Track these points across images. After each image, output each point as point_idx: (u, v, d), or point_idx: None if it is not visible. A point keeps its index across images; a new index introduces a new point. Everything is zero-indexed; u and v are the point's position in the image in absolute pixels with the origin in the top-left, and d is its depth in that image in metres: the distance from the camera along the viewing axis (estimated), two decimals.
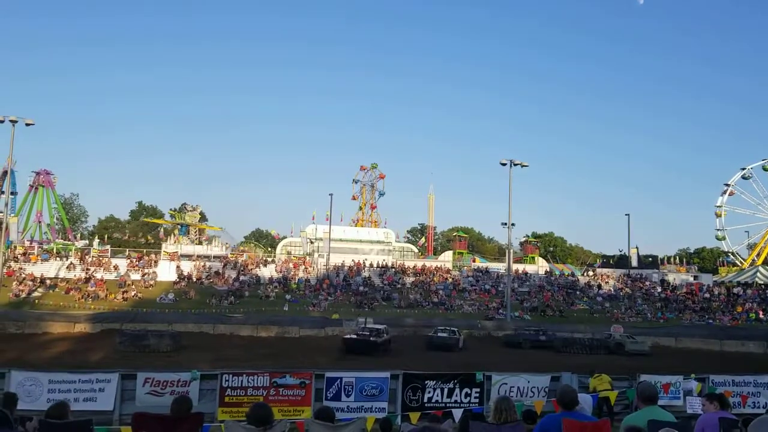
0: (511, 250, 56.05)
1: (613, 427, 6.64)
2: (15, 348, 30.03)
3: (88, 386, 14.52)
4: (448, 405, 15.88)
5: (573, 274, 68.27)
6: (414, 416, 13.61)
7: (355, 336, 34.82)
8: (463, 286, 59.62)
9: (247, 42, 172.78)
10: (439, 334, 38.28)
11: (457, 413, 12.99)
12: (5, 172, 62.38)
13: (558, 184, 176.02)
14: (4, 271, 45.80)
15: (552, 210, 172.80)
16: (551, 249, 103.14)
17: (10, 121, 41.54)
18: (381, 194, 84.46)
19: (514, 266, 62.33)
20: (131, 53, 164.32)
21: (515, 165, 49.71)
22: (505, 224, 51.48)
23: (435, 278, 60.95)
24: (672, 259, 79.47)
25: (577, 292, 60.49)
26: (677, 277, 66.72)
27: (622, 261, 72.64)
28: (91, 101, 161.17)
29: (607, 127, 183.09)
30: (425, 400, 16.12)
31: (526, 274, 64.77)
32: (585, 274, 69.48)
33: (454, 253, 74.53)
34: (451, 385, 16.45)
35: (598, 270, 70.40)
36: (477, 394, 16.50)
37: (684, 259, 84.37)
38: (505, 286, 53.52)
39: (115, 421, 13.73)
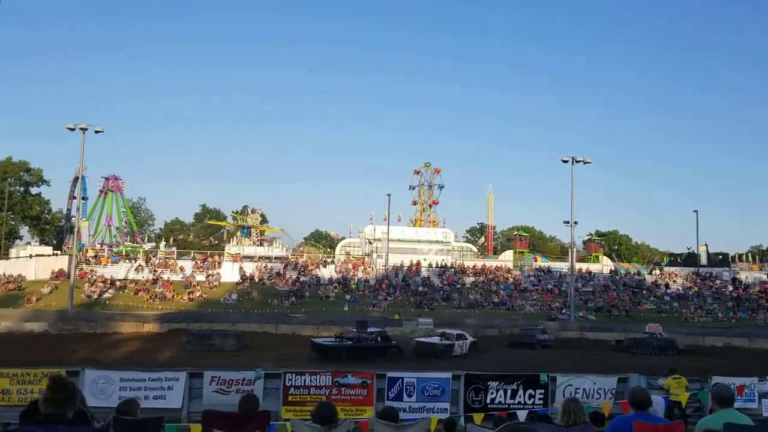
0: (574, 249, 54.86)
1: (686, 431, 6.35)
2: (87, 347, 31.22)
3: (158, 384, 14.92)
4: (511, 406, 15.64)
5: (639, 273, 66.37)
6: (477, 417, 13.45)
7: (424, 340, 34.44)
8: (525, 285, 58.79)
9: (311, 44, 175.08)
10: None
11: (522, 415, 12.76)
12: (77, 178, 65.01)
13: (622, 180, 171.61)
14: (77, 273, 47.65)
15: (616, 207, 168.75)
16: (616, 247, 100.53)
17: (81, 129, 43.22)
18: (440, 187, 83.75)
19: (578, 265, 61.06)
20: (195, 54, 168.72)
21: (577, 162, 48.66)
22: (568, 222, 50.45)
23: (496, 278, 60.30)
24: (744, 257, 76.32)
25: (644, 292, 58.78)
26: (750, 275, 63.95)
27: (690, 259, 70.22)
28: (156, 107, 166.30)
29: (673, 118, 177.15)
30: (488, 401, 15.93)
31: (589, 273, 63.36)
32: (652, 272, 67.44)
33: (514, 253, 73.60)
34: (514, 386, 16.20)
35: (666, 268, 68.21)
36: (541, 396, 16.22)
37: (757, 257, 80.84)
38: (568, 286, 52.46)
39: (183, 418, 14.05)
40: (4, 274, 50.61)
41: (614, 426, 5.90)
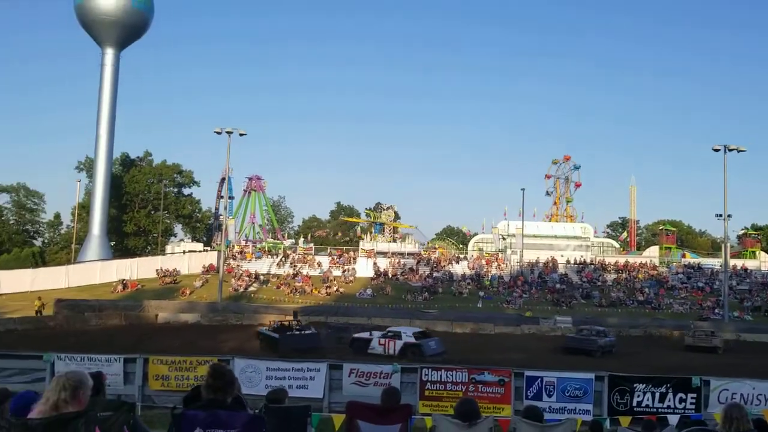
0: (728, 244, 50.92)
1: None
2: (236, 338, 33.10)
3: (300, 375, 15.54)
4: (660, 410, 14.81)
5: None
6: (624, 420, 12.83)
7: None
8: (672, 283, 55.43)
9: (444, 45, 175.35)
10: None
11: (673, 419, 12.02)
12: (223, 179, 69.25)
13: None
14: (225, 267, 50.78)
15: None
16: None
17: (227, 132, 45.91)
18: (576, 167, 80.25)
19: (732, 262, 56.61)
20: (329, 51, 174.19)
21: (730, 150, 45.01)
22: (720, 216, 46.77)
23: (639, 275, 57.33)
24: None
25: None
26: None
27: None
28: (295, 110, 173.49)
29: None
30: (634, 404, 15.19)
31: (745, 270, 58.61)
32: None
33: (660, 248, 69.54)
34: (663, 390, 15.32)
35: None
36: (693, 400, 15.20)
37: None
38: (722, 284, 48.78)
39: (324, 408, 14.52)
40: (162, 269, 54.97)
41: None
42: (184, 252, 62.53)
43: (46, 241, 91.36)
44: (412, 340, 28.50)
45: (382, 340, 28.83)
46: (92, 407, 3.58)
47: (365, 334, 30.11)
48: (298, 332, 29.74)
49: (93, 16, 65.78)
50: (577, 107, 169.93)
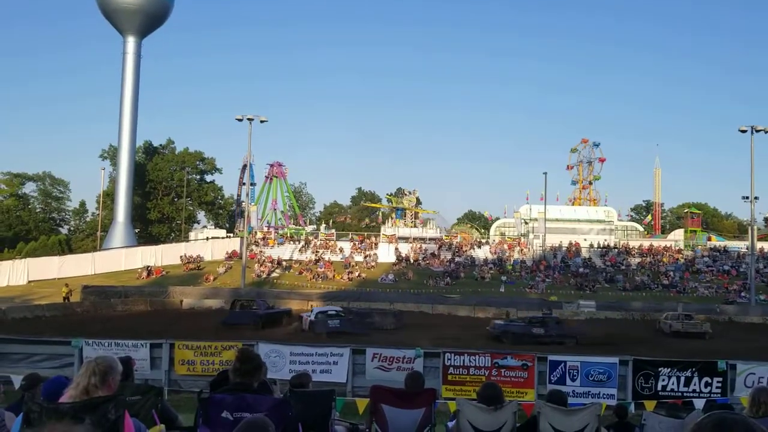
0: (755, 227, 50.13)
1: None
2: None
3: (324, 359, 15.64)
4: (685, 394, 14.75)
5: None
6: (650, 404, 12.74)
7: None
8: (698, 267, 54.79)
9: (466, 27, 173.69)
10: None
11: (699, 403, 11.93)
12: (245, 166, 69.54)
13: None
14: (248, 254, 51.16)
15: None
16: None
17: (248, 119, 46.02)
18: (596, 145, 79.08)
19: (759, 245, 55.79)
20: (353, 34, 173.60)
21: (757, 132, 44.18)
22: (747, 198, 46.09)
23: (664, 259, 56.74)
24: None
25: None
26: None
27: None
28: (316, 95, 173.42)
29: None
30: (659, 388, 15.11)
31: None
32: None
33: (685, 232, 68.75)
34: (688, 374, 15.21)
35: None
36: (719, 384, 15.09)
37: None
38: (748, 267, 48.09)
39: (348, 392, 14.60)
40: (186, 255, 55.56)
41: None
42: (207, 239, 63.10)
43: (71, 228, 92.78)
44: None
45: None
46: (121, 392, 3.64)
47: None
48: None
49: (114, 5, 66.28)
50: (599, 90, 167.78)
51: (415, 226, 71.83)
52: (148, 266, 52.02)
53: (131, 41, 67.86)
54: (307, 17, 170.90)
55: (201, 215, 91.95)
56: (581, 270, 53.93)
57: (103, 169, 79.72)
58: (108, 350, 15.32)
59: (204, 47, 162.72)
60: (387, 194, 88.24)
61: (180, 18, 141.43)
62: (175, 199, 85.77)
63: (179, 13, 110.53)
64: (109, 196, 74.49)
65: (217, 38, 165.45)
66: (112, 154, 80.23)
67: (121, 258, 55.09)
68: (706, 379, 15.23)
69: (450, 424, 6.32)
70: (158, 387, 4.67)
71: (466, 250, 59.59)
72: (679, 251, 59.66)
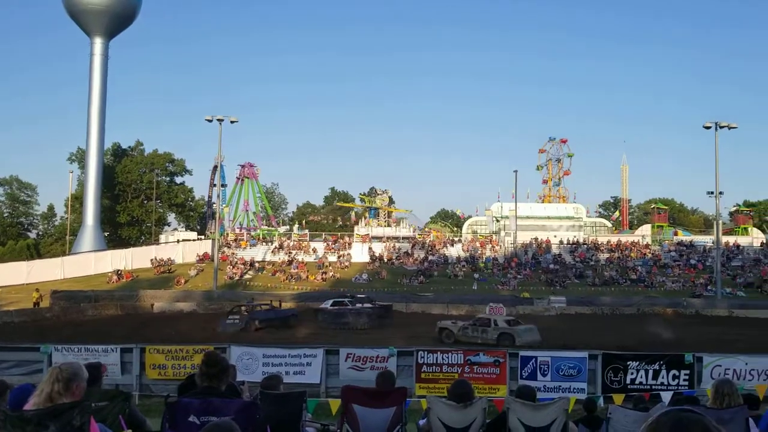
0: (720, 221, 51.18)
1: None
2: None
3: (297, 360, 15.61)
4: (653, 387, 14.98)
5: None
6: (618, 398, 12.95)
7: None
8: (665, 261, 55.78)
9: (430, 24, 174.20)
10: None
11: (666, 396, 12.15)
12: (216, 167, 68.94)
13: None
14: (220, 256, 50.78)
15: (767, 174, 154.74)
16: (767, 218, 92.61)
17: (218, 120, 45.65)
18: (570, 155, 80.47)
19: (724, 238, 56.96)
20: (320, 38, 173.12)
21: (721, 127, 45.09)
22: (712, 193, 46.98)
23: (632, 254, 57.66)
24: None
25: None
26: None
27: None
28: (285, 97, 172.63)
29: None
30: (628, 381, 15.34)
31: (738, 247, 59.01)
32: None
33: (652, 227, 69.89)
34: (656, 367, 15.47)
35: None
36: (686, 377, 15.38)
37: None
38: (714, 261, 49.11)
39: (322, 393, 14.60)
40: (156, 258, 54.94)
41: None
42: (178, 241, 62.45)
43: (40, 233, 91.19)
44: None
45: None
46: (87, 398, 3.62)
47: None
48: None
49: (81, 6, 65.25)
50: (568, 86, 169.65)
51: (388, 226, 71.96)
52: (118, 270, 51.34)
53: (98, 42, 66.84)
54: (276, 22, 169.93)
55: (171, 217, 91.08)
56: (551, 266, 54.57)
57: (72, 172, 78.60)
58: (78, 356, 15.11)
59: (172, 48, 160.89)
60: (360, 194, 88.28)
61: (149, 19, 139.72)
62: (145, 202, 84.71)
63: (148, 14, 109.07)
64: (78, 200, 73.33)
65: (185, 40, 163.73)
66: (80, 157, 78.99)
67: (90, 262, 54.29)
68: (674, 371, 15.49)
69: (421, 422, 6.39)
70: (126, 392, 4.65)
71: (439, 249, 59.89)
72: (647, 246, 60.67)
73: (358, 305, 35.20)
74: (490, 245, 60.89)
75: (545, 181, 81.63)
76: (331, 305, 35.29)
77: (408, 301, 43.87)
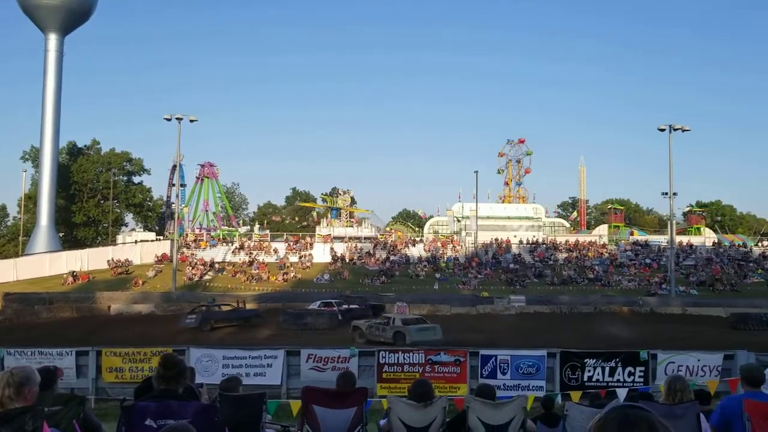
0: (674, 221, 52.50)
1: None
2: (191, 328, 32.65)
3: (258, 362, 15.52)
4: (610, 384, 15.31)
5: (745, 245, 62.82)
6: (575, 395, 13.19)
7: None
8: (621, 260, 56.93)
9: (390, 23, 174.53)
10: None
11: (621, 393, 12.43)
12: (175, 166, 67.93)
13: (725, 146, 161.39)
14: (179, 256, 50.03)
15: (719, 176, 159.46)
16: (719, 219, 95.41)
17: (177, 118, 44.99)
18: (528, 154, 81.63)
19: (678, 238, 58.47)
20: (280, 39, 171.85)
21: (675, 130, 46.28)
22: (666, 194, 48.21)
23: (590, 253, 58.71)
24: None
25: (751, 264, 55.64)
26: None
27: None
28: (246, 98, 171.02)
29: None
30: (585, 378, 15.66)
31: (691, 246, 60.57)
32: (759, 244, 63.67)
33: (609, 227, 71.28)
34: (612, 364, 15.84)
35: None
36: (641, 373, 15.78)
37: None
38: (668, 260, 50.34)
39: (283, 394, 14.54)
40: (113, 259, 53.84)
41: (724, 405, 5.64)
42: (136, 242, 61.28)
43: None
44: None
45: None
46: (40, 402, 3.55)
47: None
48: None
49: (35, 1, 63.52)
50: (526, 91, 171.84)
51: (350, 226, 71.90)
52: (74, 271, 50.15)
53: (53, 38, 65.17)
54: (232, 23, 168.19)
55: (129, 218, 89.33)
56: (511, 266, 55.22)
57: (25, 171, 76.77)
58: (31, 359, 14.75)
59: (131, 46, 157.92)
60: (322, 194, 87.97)
61: (106, 15, 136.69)
62: (102, 202, 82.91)
63: (105, 10, 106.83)
64: (32, 199, 71.48)
65: (144, 37, 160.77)
66: (34, 156, 76.98)
67: (45, 263, 52.91)
68: (629, 368, 15.86)
69: (382, 422, 6.41)
70: (80, 396, 4.57)
71: (400, 249, 60.07)
72: (604, 246, 61.84)
73: (344, 306, 36.22)
74: (452, 245, 61.31)
75: (507, 183, 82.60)
76: (319, 306, 36.26)
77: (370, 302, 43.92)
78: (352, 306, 36.89)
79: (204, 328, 31.32)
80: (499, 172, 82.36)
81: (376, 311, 36.19)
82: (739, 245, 62.75)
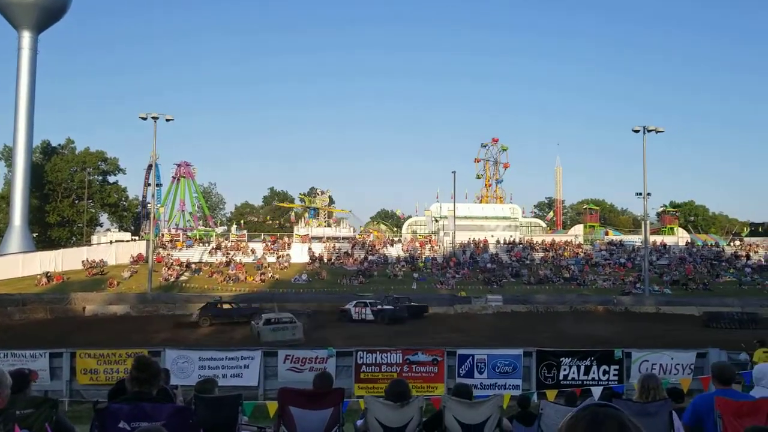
0: (648, 221, 53.22)
1: None
2: (167, 328, 32.47)
3: (234, 363, 15.40)
4: (585, 383, 15.43)
5: (717, 245, 63.88)
6: (551, 394, 13.32)
7: None
8: (596, 260, 57.55)
9: (366, 24, 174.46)
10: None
11: (596, 391, 12.58)
12: (150, 166, 67.21)
13: (698, 147, 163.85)
14: (154, 257, 49.55)
15: (692, 176, 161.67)
16: (692, 219, 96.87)
17: (152, 117, 44.63)
18: (504, 149, 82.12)
19: (652, 238, 59.27)
20: (261, 40, 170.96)
21: (649, 131, 46.93)
22: (640, 194, 48.87)
23: (565, 253, 59.27)
24: None
25: (723, 264, 56.59)
26: None
27: None
28: (223, 98, 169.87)
29: (755, 77, 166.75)
30: (561, 377, 15.77)
31: (664, 246, 61.43)
32: (731, 243, 64.79)
33: (585, 227, 72.02)
34: (588, 363, 15.96)
35: (746, 239, 65.40)
36: (616, 372, 15.92)
37: None
38: (642, 260, 51.01)
39: (260, 396, 14.46)
40: (88, 260, 53.16)
41: (696, 403, 5.73)
42: (111, 242, 60.57)
43: None
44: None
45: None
46: (12, 405, 3.51)
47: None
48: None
49: None
50: (504, 92, 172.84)
51: (328, 226, 71.76)
52: (48, 272, 49.41)
53: (27, 36, 64.14)
54: (210, 24, 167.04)
55: (104, 218, 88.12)
56: (489, 265, 55.55)
57: None
58: (4, 362, 14.51)
59: (105, 44, 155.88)
60: (300, 194, 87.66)
61: (81, 13, 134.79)
62: (76, 201, 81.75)
63: (80, 8, 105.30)
64: (5, 199, 70.30)
65: (119, 36, 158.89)
66: (6, 155, 75.75)
67: (18, 264, 52.05)
68: (604, 367, 16.00)
69: (359, 422, 6.41)
70: (53, 399, 4.51)
71: (379, 249, 60.09)
72: (579, 246, 62.47)
73: (378, 307, 36.47)
74: (430, 245, 61.49)
75: (487, 185, 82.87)
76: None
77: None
78: (385, 306, 36.59)
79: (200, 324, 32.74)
80: (478, 177, 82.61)
81: (414, 312, 36.22)
82: (711, 245, 63.79)
